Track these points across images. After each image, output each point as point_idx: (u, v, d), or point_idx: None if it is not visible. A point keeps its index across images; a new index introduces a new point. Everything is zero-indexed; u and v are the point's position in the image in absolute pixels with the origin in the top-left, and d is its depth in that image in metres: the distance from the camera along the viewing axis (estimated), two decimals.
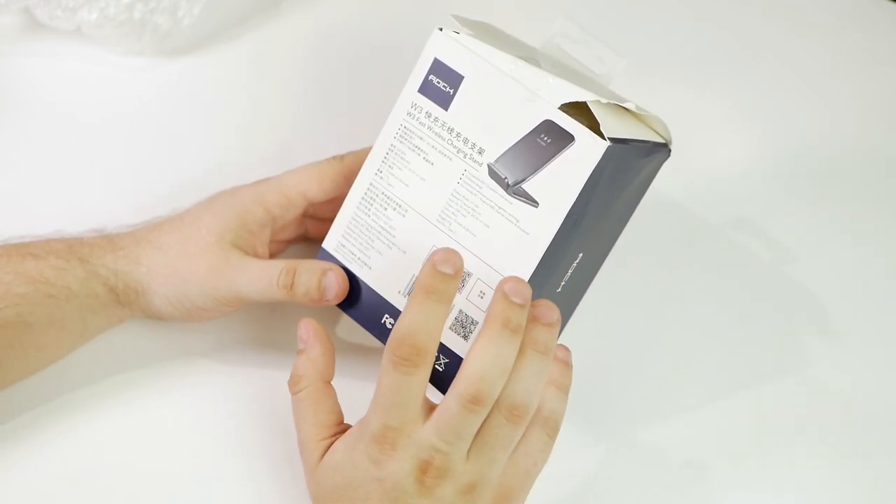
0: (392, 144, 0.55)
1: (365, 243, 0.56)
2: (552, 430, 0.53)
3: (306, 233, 0.63)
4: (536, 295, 0.53)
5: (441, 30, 0.54)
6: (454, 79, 0.53)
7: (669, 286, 0.68)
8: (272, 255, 0.61)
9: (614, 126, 0.51)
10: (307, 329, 0.54)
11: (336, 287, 0.56)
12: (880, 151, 0.76)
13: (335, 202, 0.58)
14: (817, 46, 0.81)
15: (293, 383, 0.54)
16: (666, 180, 0.72)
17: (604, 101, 0.51)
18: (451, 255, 0.50)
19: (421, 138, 0.54)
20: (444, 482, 0.49)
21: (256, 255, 0.58)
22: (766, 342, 0.66)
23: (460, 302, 0.54)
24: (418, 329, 0.49)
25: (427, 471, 0.49)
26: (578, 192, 0.51)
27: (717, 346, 0.66)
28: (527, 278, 0.52)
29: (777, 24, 0.81)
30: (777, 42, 0.80)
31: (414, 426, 0.49)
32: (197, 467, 0.57)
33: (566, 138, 0.51)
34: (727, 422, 0.63)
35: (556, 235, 0.52)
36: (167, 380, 0.59)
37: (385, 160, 0.55)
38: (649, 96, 0.76)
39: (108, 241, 0.57)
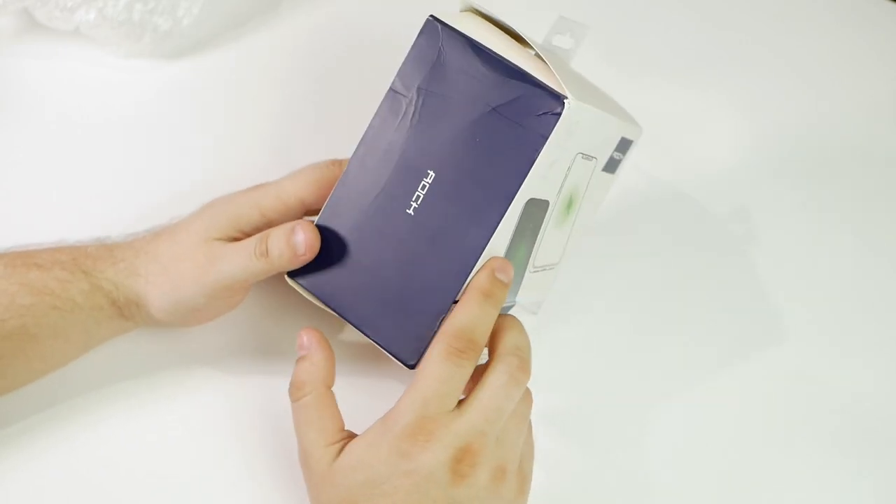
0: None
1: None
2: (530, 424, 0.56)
3: None
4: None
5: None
6: None
7: (666, 284, 0.68)
8: None
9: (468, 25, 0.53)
10: (309, 336, 0.55)
11: (306, 240, 0.55)
12: (880, 150, 0.76)
13: None
14: (817, 45, 0.81)
15: (295, 389, 0.53)
16: (666, 180, 0.72)
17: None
18: (506, 266, 0.52)
19: None
20: (478, 468, 0.50)
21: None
22: (768, 344, 0.66)
23: None
24: (476, 325, 0.51)
25: (463, 459, 0.49)
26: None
27: (715, 346, 0.66)
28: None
29: (777, 23, 0.81)
30: (777, 41, 0.80)
31: (449, 416, 0.50)
32: (197, 473, 0.57)
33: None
34: (727, 422, 0.63)
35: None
36: (168, 386, 0.59)
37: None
38: (649, 94, 0.76)
39: (109, 252, 0.57)
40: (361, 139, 0.55)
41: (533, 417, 0.55)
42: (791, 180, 0.73)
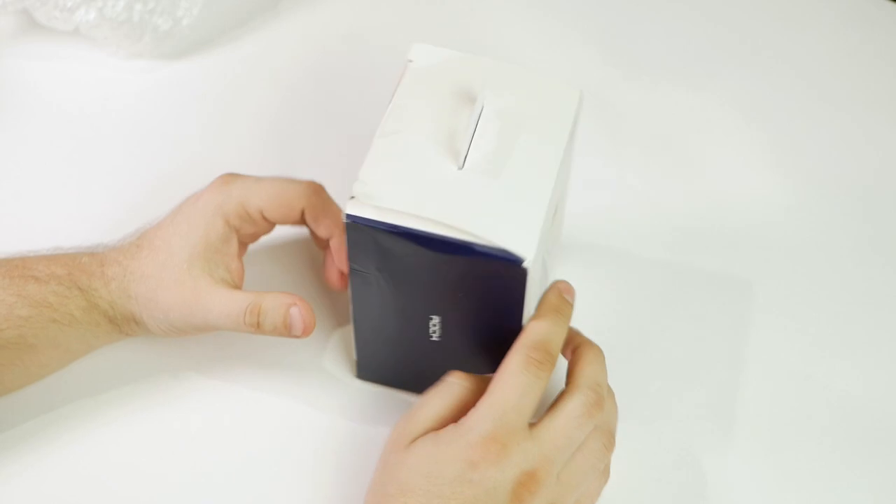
0: None
1: None
2: (606, 474, 0.56)
3: None
4: None
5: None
6: None
7: (663, 283, 0.67)
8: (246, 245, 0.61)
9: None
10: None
11: (301, 322, 0.55)
12: (879, 150, 0.76)
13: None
14: (817, 45, 0.80)
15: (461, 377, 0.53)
16: (664, 179, 0.72)
17: None
18: (570, 289, 0.56)
19: None
20: (536, 498, 0.49)
21: (229, 272, 0.57)
22: (767, 343, 0.66)
23: None
24: (552, 338, 0.52)
25: (527, 484, 0.49)
26: None
27: (713, 346, 0.66)
28: None
29: (777, 23, 0.81)
30: (777, 41, 0.80)
31: (523, 434, 0.50)
32: (198, 478, 0.57)
33: None
34: (726, 422, 0.63)
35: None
36: (169, 391, 0.59)
37: None
38: (649, 94, 0.76)
39: (100, 269, 0.56)
40: (351, 301, 0.55)
41: None
42: (790, 179, 0.73)
